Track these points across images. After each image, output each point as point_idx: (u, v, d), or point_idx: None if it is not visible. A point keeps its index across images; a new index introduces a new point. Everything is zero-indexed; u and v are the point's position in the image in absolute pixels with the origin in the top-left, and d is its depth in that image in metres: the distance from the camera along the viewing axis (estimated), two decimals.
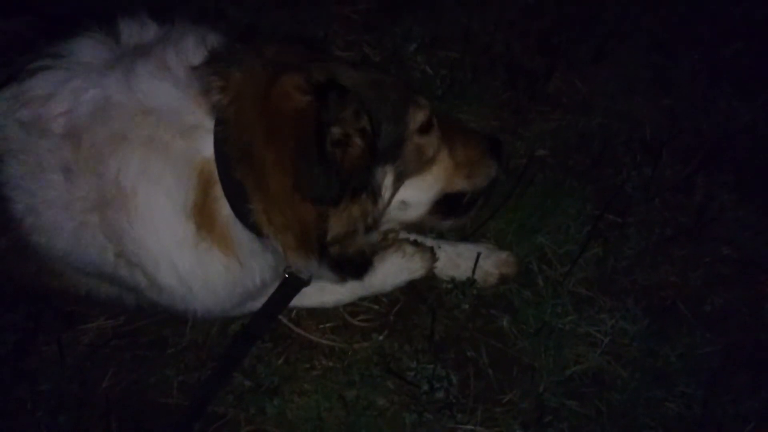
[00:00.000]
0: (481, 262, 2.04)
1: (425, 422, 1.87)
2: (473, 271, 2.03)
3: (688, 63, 2.54)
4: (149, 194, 1.45)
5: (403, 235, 2.06)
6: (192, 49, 1.50)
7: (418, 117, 1.62)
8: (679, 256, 2.15)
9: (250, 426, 1.88)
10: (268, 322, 1.92)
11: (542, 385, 1.92)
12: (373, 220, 1.59)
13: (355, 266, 1.66)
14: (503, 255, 2.08)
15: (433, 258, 2.04)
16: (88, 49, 1.54)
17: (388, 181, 1.60)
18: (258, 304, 1.86)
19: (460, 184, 1.80)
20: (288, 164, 1.40)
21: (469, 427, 1.87)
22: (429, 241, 2.07)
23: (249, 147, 1.42)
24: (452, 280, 2.07)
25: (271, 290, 1.82)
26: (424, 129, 1.64)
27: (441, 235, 2.14)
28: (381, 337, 2.00)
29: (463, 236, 2.16)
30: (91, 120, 1.45)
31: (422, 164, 1.67)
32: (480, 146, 1.82)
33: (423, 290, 2.05)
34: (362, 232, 1.58)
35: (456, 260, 2.07)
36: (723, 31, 2.62)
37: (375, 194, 1.57)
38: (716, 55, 2.56)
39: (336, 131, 1.41)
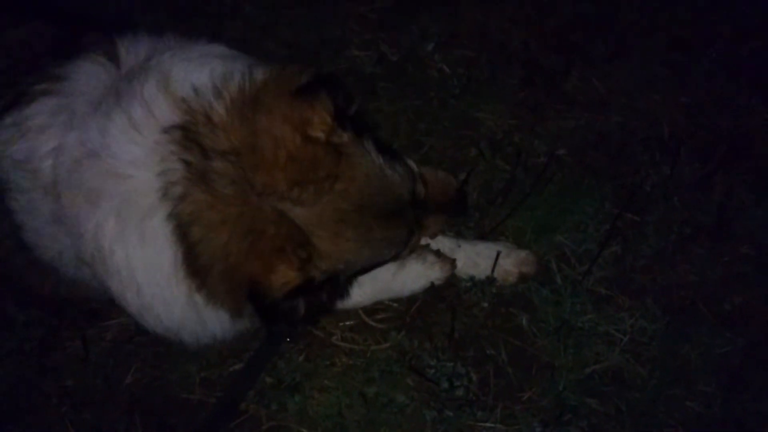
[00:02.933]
0: (500, 260, 2.05)
1: (445, 419, 1.89)
2: (493, 270, 2.04)
3: (706, 61, 2.52)
4: (127, 257, 1.41)
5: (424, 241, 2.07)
6: (156, 97, 1.37)
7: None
8: (698, 255, 2.14)
9: (272, 422, 1.91)
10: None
11: (562, 384, 1.93)
12: None
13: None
14: (523, 254, 2.09)
15: (453, 267, 2.04)
16: (87, 73, 1.50)
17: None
18: None
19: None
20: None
21: (488, 424, 1.89)
22: (448, 241, 2.08)
23: (206, 269, 1.39)
24: (471, 278, 2.07)
25: None
26: None
27: (460, 234, 2.15)
28: (400, 336, 2.01)
29: (482, 235, 2.17)
30: (70, 174, 1.42)
31: None
32: (442, 219, 1.83)
33: (442, 289, 2.05)
34: None
35: (475, 259, 2.07)
36: (741, 29, 2.59)
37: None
38: (734, 52, 2.54)
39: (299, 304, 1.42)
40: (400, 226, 1.55)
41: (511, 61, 2.55)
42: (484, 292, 2.06)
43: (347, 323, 2.04)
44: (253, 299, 1.37)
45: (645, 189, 2.24)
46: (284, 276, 1.34)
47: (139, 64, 1.47)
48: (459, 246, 2.07)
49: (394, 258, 1.65)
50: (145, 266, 1.42)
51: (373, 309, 2.06)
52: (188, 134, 1.34)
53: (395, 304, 2.07)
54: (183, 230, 1.36)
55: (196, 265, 1.38)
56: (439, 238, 2.07)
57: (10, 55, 1.60)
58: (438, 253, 2.04)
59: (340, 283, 1.53)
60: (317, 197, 1.37)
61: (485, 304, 2.06)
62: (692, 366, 1.97)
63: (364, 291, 2.00)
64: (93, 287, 1.66)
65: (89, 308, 2.06)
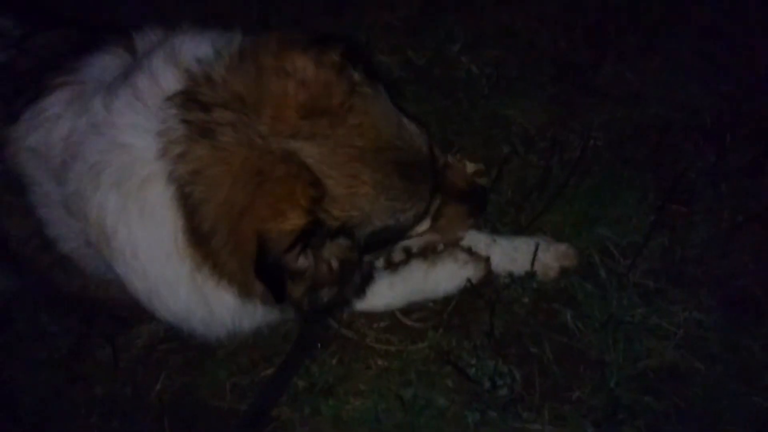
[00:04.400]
0: (539, 254, 1.95)
1: (489, 421, 1.77)
2: (532, 264, 1.94)
3: (745, 50, 2.43)
4: (130, 234, 1.36)
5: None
6: (163, 68, 1.35)
7: (418, 230, 1.56)
8: (752, 243, 2.01)
9: (305, 427, 1.83)
10: (319, 324, 1.88)
11: (613, 381, 1.80)
12: None
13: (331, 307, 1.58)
14: (563, 247, 1.99)
15: (488, 266, 1.95)
16: (103, 63, 1.49)
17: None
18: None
19: (430, 239, 1.74)
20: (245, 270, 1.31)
21: (536, 426, 1.77)
22: (483, 237, 2.00)
23: (210, 233, 1.31)
24: (510, 274, 1.98)
25: None
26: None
27: (495, 229, 2.07)
28: (437, 335, 1.91)
29: (518, 231, 2.08)
30: (75, 154, 1.39)
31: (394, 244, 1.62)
32: (463, 213, 1.70)
33: (479, 286, 1.96)
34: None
35: (513, 254, 1.98)
36: None
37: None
38: None
39: (312, 258, 1.31)
40: (420, 181, 1.43)
41: (540, 58, 2.50)
42: (524, 287, 1.96)
43: (381, 324, 1.96)
44: (258, 257, 1.24)
45: (690, 177, 2.13)
46: (293, 222, 1.22)
47: (151, 48, 1.45)
48: (494, 241, 1.99)
49: (416, 223, 1.49)
50: (147, 242, 1.35)
51: (409, 309, 1.97)
52: (189, 96, 1.30)
53: (431, 304, 1.98)
54: (184, 193, 1.28)
55: (199, 232, 1.30)
56: (474, 233, 1.99)
57: (36, 56, 1.61)
58: (471, 251, 1.95)
59: (355, 247, 1.38)
60: (331, 130, 1.28)
61: (526, 300, 1.96)
62: (756, 359, 1.82)
63: (395, 292, 1.92)
64: (115, 283, 1.63)
65: (119, 316, 2.02)
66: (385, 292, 1.92)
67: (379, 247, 1.57)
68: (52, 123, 1.45)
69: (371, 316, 1.96)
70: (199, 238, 1.32)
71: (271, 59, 1.31)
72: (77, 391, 1.91)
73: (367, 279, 1.66)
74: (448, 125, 2.36)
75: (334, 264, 1.36)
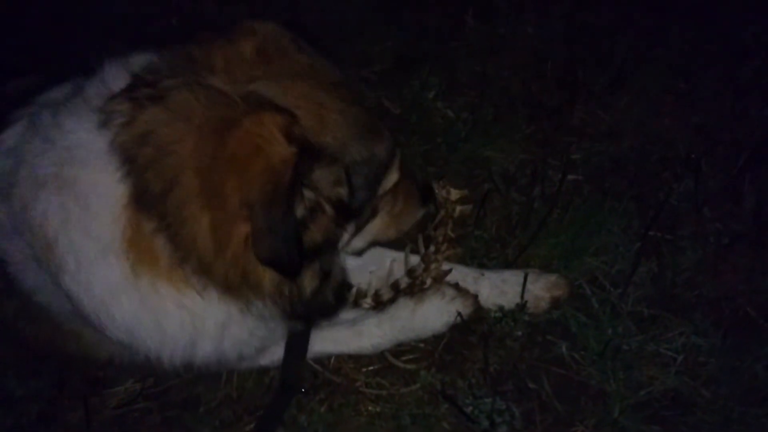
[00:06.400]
0: (529, 286, 1.91)
1: None
2: (522, 295, 1.90)
3: (710, 83, 2.52)
4: (69, 238, 1.27)
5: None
6: (114, 74, 1.32)
7: (390, 179, 1.51)
8: (742, 263, 2.00)
9: None
10: (299, 367, 1.78)
11: (617, 411, 1.71)
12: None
13: (317, 311, 1.50)
14: (552, 277, 1.95)
15: (476, 302, 1.91)
16: (61, 92, 1.45)
17: (343, 240, 1.45)
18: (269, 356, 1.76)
19: (390, 234, 1.69)
20: (239, 230, 1.20)
21: None
22: (471, 271, 1.96)
23: (166, 190, 1.21)
24: (500, 308, 1.92)
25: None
26: (389, 190, 1.54)
27: (483, 265, 2.03)
28: (430, 375, 1.83)
29: (507, 266, 2.05)
30: (20, 164, 1.34)
31: (369, 218, 1.55)
32: (416, 195, 1.68)
33: (470, 322, 1.90)
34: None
35: (502, 287, 1.93)
36: (738, 53, 2.61)
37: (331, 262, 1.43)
38: (737, 73, 2.54)
39: (310, 197, 1.25)
40: (379, 122, 1.40)
41: (514, 102, 2.55)
42: (516, 320, 1.90)
43: (371, 367, 1.87)
44: (261, 208, 1.13)
45: (672, 203, 2.14)
46: (279, 153, 1.14)
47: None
48: (482, 275, 1.95)
49: (389, 163, 1.43)
50: (85, 241, 1.25)
51: (399, 350, 1.89)
52: (134, 83, 1.26)
53: (422, 345, 1.91)
54: (128, 157, 1.20)
55: (149, 194, 1.20)
56: (461, 268, 1.96)
57: (6, 100, 1.58)
58: (458, 287, 1.91)
59: (345, 180, 1.30)
60: (286, 66, 1.26)
61: (519, 334, 1.89)
62: (759, 380, 1.76)
63: (383, 330, 1.86)
64: (86, 333, 1.53)
65: (93, 376, 1.91)
66: (373, 331, 1.85)
67: (360, 200, 1.41)
68: (6, 152, 1.41)
69: (360, 360, 1.88)
70: (151, 201, 1.21)
71: (215, 35, 1.31)
72: None
73: (344, 283, 1.55)
74: (428, 168, 2.37)
75: (329, 210, 1.28)
